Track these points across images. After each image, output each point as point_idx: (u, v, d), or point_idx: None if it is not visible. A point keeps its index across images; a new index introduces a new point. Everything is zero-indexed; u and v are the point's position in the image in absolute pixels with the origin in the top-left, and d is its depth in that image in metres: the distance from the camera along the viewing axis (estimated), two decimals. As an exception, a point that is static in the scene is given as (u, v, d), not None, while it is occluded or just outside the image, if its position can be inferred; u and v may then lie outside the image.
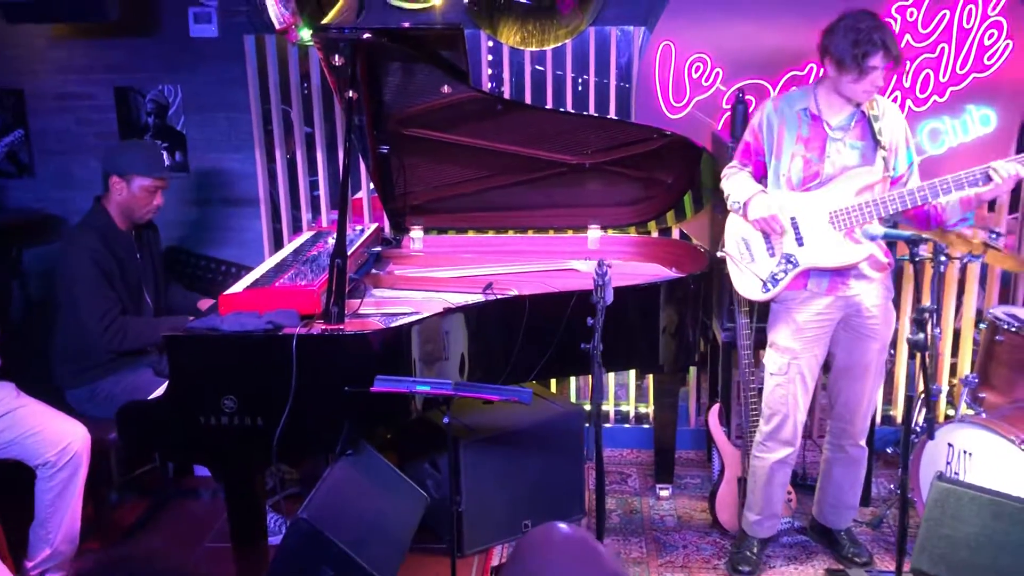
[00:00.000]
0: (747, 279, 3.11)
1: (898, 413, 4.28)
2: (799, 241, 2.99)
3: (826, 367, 3.23)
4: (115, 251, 3.42)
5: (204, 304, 3.70)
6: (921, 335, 2.48)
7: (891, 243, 3.10)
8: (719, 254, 3.23)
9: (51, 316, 3.56)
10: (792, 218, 2.99)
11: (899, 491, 2.68)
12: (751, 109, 3.55)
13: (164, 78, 4.15)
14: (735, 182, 3.13)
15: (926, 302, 3.85)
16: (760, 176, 3.13)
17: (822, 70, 2.96)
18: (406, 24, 3.52)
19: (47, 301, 4.04)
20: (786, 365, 3.10)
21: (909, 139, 3.01)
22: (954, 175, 2.78)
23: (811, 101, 2.99)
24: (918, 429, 3.64)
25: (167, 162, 4.16)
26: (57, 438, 3.01)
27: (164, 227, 4.22)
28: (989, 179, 2.74)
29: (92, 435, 3.12)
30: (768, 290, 3.05)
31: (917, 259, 2.48)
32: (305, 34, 3.90)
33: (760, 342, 3.33)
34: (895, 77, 3.68)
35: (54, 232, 4.29)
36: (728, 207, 3.15)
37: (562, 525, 2.07)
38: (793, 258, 3.00)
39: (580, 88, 4.07)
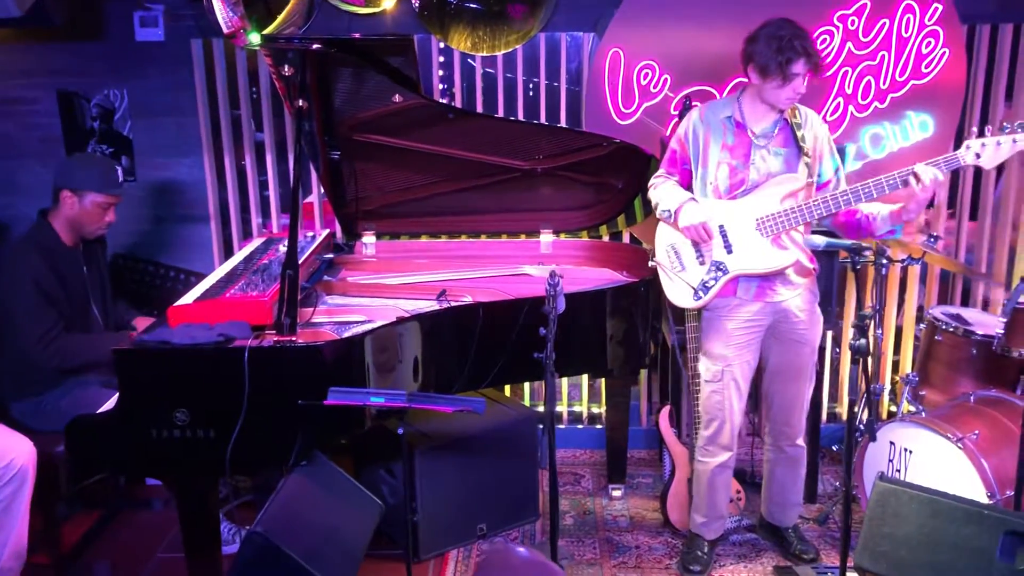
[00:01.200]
0: (678, 287, 3.16)
1: (843, 411, 4.39)
2: (728, 248, 3.05)
3: (759, 372, 3.30)
4: (59, 269, 3.32)
5: (141, 323, 3.62)
6: (862, 340, 2.55)
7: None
8: (650, 264, 3.27)
9: None
10: (720, 226, 3.05)
11: (843, 489, 2.75)
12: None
13: (110, 82, 4.09)
14: (663, 191, 3.17)
15: (868, 304, 3.95)
16: (686, 185, 3.18)
17: (746, 78, 3.02)
18: (356, 35, 3.51)
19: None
20: (720, 372, 3.17)
21: (832, 146, 3.10)
22: (875, 179, 2.87)
23: (735, 109, 3.05)
24: (861, 427, 3.74)
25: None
26: (1, 452, 2.96)
27: (111, 234, 4.15)
28: (907, 183, 2.82)
29: (39, 448, 3.06)
30: (699, 298, 3.11)
31: (859, 266, 2.54)
32: (254, 38, 3.87)
33: (706, 345, 3.40)
34: (835, 84, 3.78)
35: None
36: (657, 216, 3.20)
37: (520, 548, 2.10)
38: (723, 265, 3.07)
39: (531, 93, 4.10)
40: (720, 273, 3.05)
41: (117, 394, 2.79)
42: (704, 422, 3.26)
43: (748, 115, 3.03)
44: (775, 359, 3.21)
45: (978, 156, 2.78)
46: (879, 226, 3.00)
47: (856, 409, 2.64)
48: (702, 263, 3.09)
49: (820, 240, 2.63)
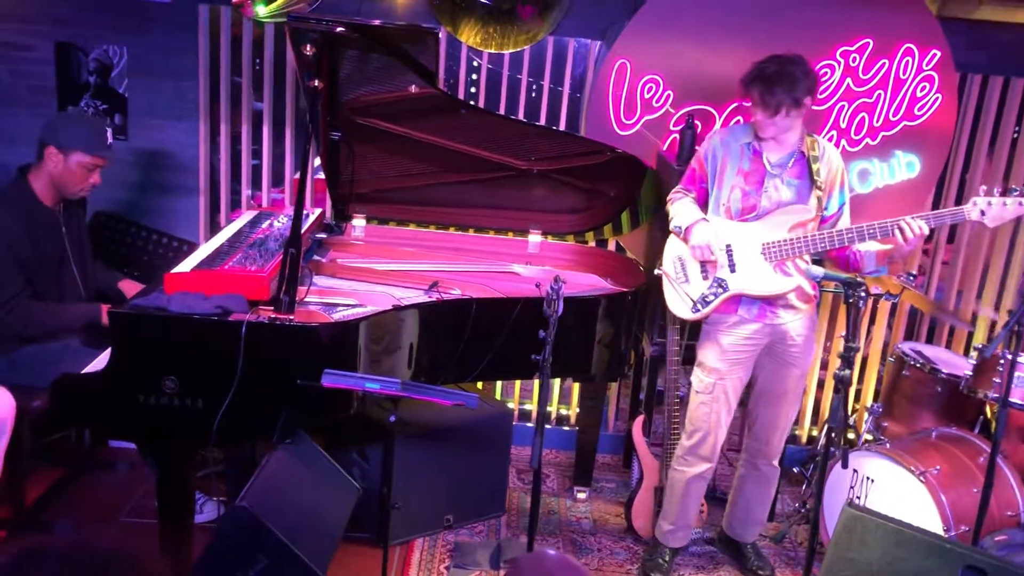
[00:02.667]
0: (679, 298, 3.24)
1: (803, 433, 4.51)
2: (731, 267, 3.13)
3: (747, 389, 3.39)
4: (34, 231, 3.25)
5: (127, 286, 3.59)
6: (847, 371, 2.64)
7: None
8: (656, 272, 3.35)
9: None
10: (727, 245, 3.13)
11: (811, 513, 2.85)
12: (698, 133, 3.69)
13: (110, 38, 4.03)
14: (680, 207, 3.27)
15: (841, 332, 4.07)
16: (703, 203, 3.27)
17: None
18: (377, 21, 3.50)
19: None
20: (712, 385, 3.24)
21: (845, 182, 3.19)
22: (880, 222, 2.96)
23: (753, 137, 3.13)
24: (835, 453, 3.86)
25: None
26: (-20, 405, 2.93)
27: (96, 191, 4.11)
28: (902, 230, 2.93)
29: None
30: (698, 311, 3.19)
31: (850, 300, 2.63)
32: (261, 10, 3.85)
33: (688, 359, 3.48)
34: (831, 117, 3.87)
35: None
36: (671, 228, 3.28)
37: (550, 551, 2.16)
38: (724, 283, 3.15)
39: (534, 94, 4.14)
40: (721, 290, 3.12)
41: (106, 355, 2.78)
42: (688, 432, 3.34)
43: (765, 144, 3.11)
44: (765, 378, 3.30)
45: (983, 213, 2.88)
46: (866, 264, 3.10)
47: (832, 437, 2.72)
48: (705, 278, 3.16)
49: (818, 271, 2.72)
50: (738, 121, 3.82)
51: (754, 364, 3.27)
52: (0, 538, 3.25)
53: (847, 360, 2.63)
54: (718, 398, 3.24)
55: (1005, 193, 2.85)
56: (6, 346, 3.27)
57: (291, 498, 2.61)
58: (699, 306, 3.18)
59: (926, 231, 2.92)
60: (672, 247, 3.30)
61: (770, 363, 3.27)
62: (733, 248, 3.13)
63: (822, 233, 3.04)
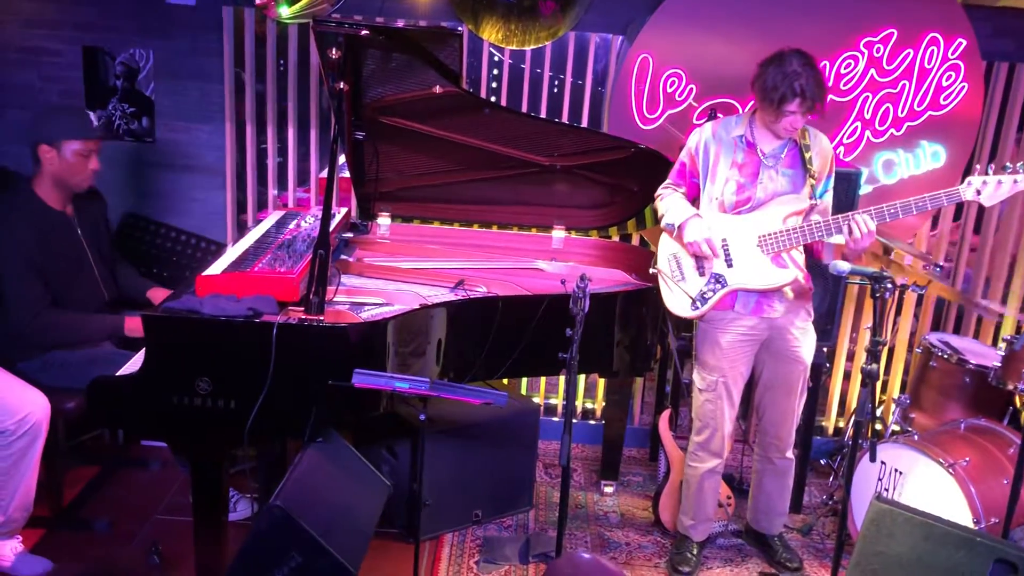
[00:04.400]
0: (677, 296, 3.24)
1: (830, 425, 4.51)
2: (728, 262, 3.13)
3: (751, 384, 3.39)
4: (47, 237, 3.27)
5: (156, 294, 3.61)
6: (874, 366, 2.64)
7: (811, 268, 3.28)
8: (651, 271, 3.34)
9: None
10: (723, 240, 3.13)
11: (839, 506, 2.85)
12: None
13: (136, 41, 4.08)
14: (670, 203, 3.26)
15: (867, 324, 4.06)
16: (693, 198, 3.26)
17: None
18: (400, 22, 3.54)
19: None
20: (714, 382, 3.26)
21: (833, 170, 3.19)
22: (876, 207, 2.97)
23: (747, 129, 3.12)
24: (848, 443, 3.85)
25: (133, 127, 4.12)
26: (16, 406, 2.98)
27: (125, 193, 4.19)
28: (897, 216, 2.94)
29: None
30: (697, 308, 3.18)
31: (877, 294, 2.63)
32: (284, 11, 3.88)
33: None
34: (855, 108, 3.86)
35: (12, 185, 4.18)
36: (663, 226, 3.27)
37: (584, 554, 2.20)
38: (722, 278, 3.14)
39: (556, 90, 4.15)
40: (719, 285, 3.13)
41: (139, 357, 2.83)
42: (696, 428, 3.35)
43: (759, 135, 3.11)
44: (768, 373, 3.30)
45: (978, 192, 2.88)
46: (825, 255, 3.16)
47: (861, 432, 2.72)
48: (702, 274, 3.17)
49: (845, 266, 2.71)
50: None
51: (755, 359, 3.28)
52: (39, 536, 3.31)
53: (874, 354, 2.63)
54: (721, 395, 3.25)
55: (1000, 171, 2.84)
56: (37, 351, 3.33)
57: (323, 496, 2.65)
58: (698, 303, 3.18)
59: (872, 227, 2.93)
60: (666, 245, 3.29)
61: (771, 359, 3.27)
62: (729, 242, 3.13)
63: (818, 221, 3.03)
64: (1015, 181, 2.84)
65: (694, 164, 3.22)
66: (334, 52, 2.83)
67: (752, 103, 3.12)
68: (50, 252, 3.28)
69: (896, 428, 3.96)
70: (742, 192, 3.12)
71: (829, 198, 3.19)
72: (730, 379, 3.24)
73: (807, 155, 3.08)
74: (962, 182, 2.92)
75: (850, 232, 2.94)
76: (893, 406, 3.96)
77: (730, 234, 3.12)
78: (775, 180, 3.11)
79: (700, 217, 3.15)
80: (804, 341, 3.24)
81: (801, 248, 3.13)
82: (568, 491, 2.83)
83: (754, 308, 3.16)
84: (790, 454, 3.44)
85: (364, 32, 2.88)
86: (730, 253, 3.12)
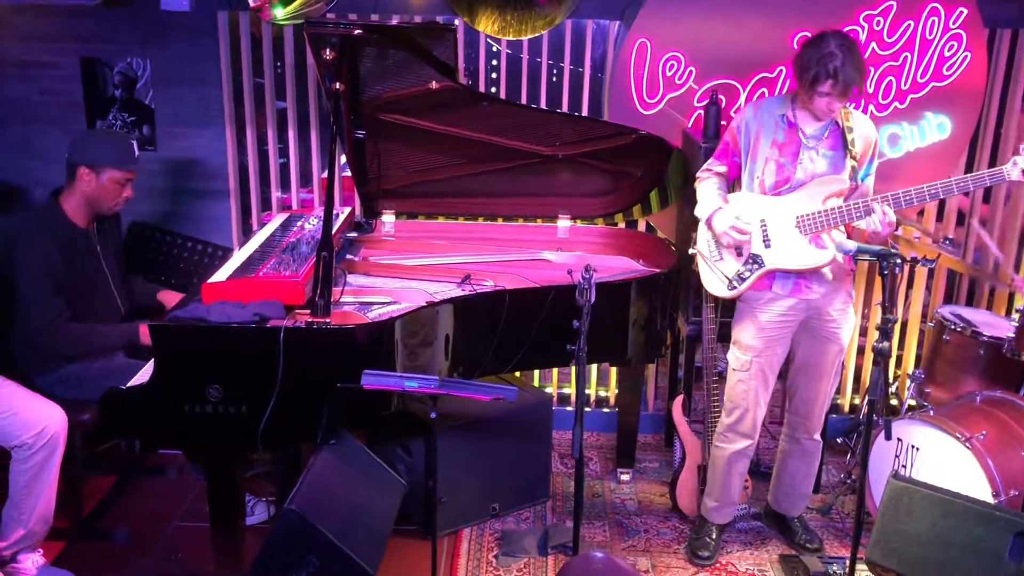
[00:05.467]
0: (715, 277, 3.23)
1: (845, 402, 4.48)
2: (766, 243, 3.11)
3: (787, 362, 3.37)
4: (70, 253, 3.28)
5: (167, 297, 3.62)
6: (886, 343, 2.62)
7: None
8: (690, 251, 3.33)
9: (7, 301, 3.35)
10: (762, 220, 3.11)
11: (857, 484, 2.83)
12: (723, 108, 3.66)
13: (133, 51, 4.07)
14: (702, 191, 3.26)
15: (878, 301, 4.03)
16: (735, 177, 3.25)
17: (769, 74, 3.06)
18: (395, 18, 3.52)
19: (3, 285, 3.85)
20: (748, 362, 3.23)
21: (876, 152, 3.16)
22: (913, 188, 2.94)
23: (788, 109, 3.10)
24: (863, 420, 3.82)
25: (134, 136, 4.12)
26: (34, 420, 2.99)
27: (130, 203, 4.16)
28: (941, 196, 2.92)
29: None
30: (734, 288, 3.17)
31: (885, 272, 2.60)
32: (279, 13, 3.87)
33: (723, 335, 3.47)
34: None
35: (14, 201, 4.20)
36: (696, 214, 3.27)
37: (598, 553, 2.20)
38: (759, 259, 3.12)
39: (555, 78, 4.12)
40: (756, 266, 3.11)
41: (149, 367, 2.84)
42: (727, 409, 3.33)
43: (800, 116, 3.08)
44: (803, 353, 3.28)
45: None
46: (855, 236, 3.09)
47: (875, 410, 2.70)
48: (739, 255, 3.15)
49: (851, 245, 2.69)
50: (762, 94, 3.78)
51: (792, 339, 3.25)
52: (60, 548, 3.33)
53: (885, 332, 2.61)
54: (755, 375, 3.23)
55: None
56: (53, 364, 3.34)
57: (338, 498, 2.66)
58: (735, 283, 3.16)
59: (892, 217, 2.92)
60: (704, 227, 3.28)
61: (807, 338, 3.24)
62: (767, 223, 3.10)
63: (857, 203, 3.00)
64: None
65: (736, 143, 3.21)
66: (328, 53, 2.82)
67: (762, 80, 3.07)
68: (72, 269, 3.29)
69: (912, 403, 3.93)
70: (782, 172, 3.09)
71: (871, 181, 3.16)
72: (765, 360, 3.22)
73: (849, 137, 3.04)
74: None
75: (869, 215, 2.91)
76: (908, 381, 3.94)
77: (768, 215, 3.10)
78: (815, 161, 3.08)
79: (723, 208, 3.14)
80: (843, 322, 3.21)
81: (842, 229, 3.10)
82: (582, 484, 2.83)
83: (792, 289, 3.14)
84: (817, 436, 3.42)
85: (357, 32, 2.86)
86: (768, 234, 3.10)
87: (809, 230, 3.06)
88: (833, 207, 3.02)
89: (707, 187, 3.25)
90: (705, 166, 3.32)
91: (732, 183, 3.30)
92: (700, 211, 3.22)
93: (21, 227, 3.29)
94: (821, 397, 3.31)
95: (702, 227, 3.28)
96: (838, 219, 3.01)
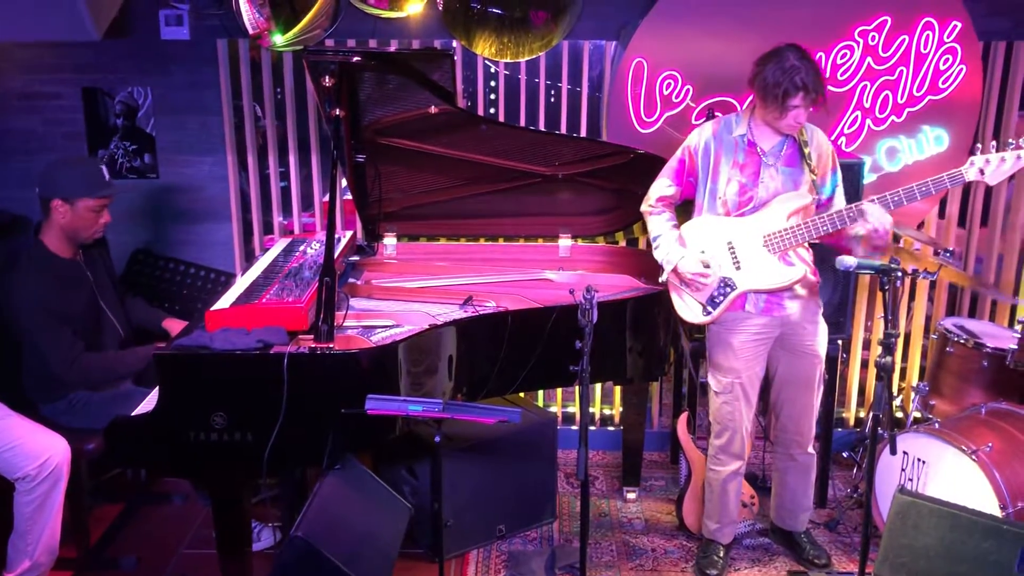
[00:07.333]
0: (689, 303, 3.23)
1: (850, 416, 4.48)
2: (736, 265, 3.12)
3: (766, 381, 3.37)
4: (62, 286, 3.27)
5: (172, 325, 3.60)
6: (888, 358, 2.62)
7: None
8: (660, 280, 3.32)
9: (5, 338, 3.37)
10: (728, 242, 3.12)
11: (863, 498, 2.83)
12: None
13: (134, 80, 4.11)
14: (659, 230, 3.26)
15: (879, 313, 4.03)
16: (685, 197, 3.26)
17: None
18: (394, 43, 3.56)
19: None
20: (730, 384, 3.24)
21: (835, 163, 3.17)
22: (869, 198, 2.97)
23: (747, 128, 3.11)
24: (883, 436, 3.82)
25: (136, 164, 4.15)
26: (37, 451, 3.01)
27: (133, 231, 4.22)
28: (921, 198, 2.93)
29: (70, 445, 3.11)
30: (709, 313, 3.17)
31: (886, 287, 2.61)
32: (278, 39, 3.90)
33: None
34: (854, 98, 3.84)
35: (18, 230, 4.22)
36: (654, 249, 3.27)
37: None
38: (731, 281, 3.13)
39: (553, 99, 4.15)
40: (729, 289, 3.12)
41: (154, 395, 2.85)
42: (715, 432, 3.34)
43: (757, 133, 3.09)
44: (783, 370, 3.29)
45: (982, 172, 2.86)
46: (854, 251, 3.09)
47: (879, 424, 2.70)
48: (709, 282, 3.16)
49: (852, 261, 2.70)
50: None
51: (768, 357, 3.26)
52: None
53: (887, 347, 2.62)
54: (738, 396, 3.24)
55: (1003, 148, 2.81)
56: (59, 392, 3.35)
57: (345, 523, 2.66)
58: (709, 308, 3.17)
59: (887, 222, 2.92)
60: None
61: (786, 355, 3.25)
62: (735, 245, 3.11)
63: (822, 217, 3.02)
64: (1018, 157, 2.82)
65: (693, 163, 3.20)
66: (327, 80, 2.85)
67: (750, 100, 3.10)
68: (67, 300, 3.29)
69: (917, 415, 3.93)
70: (744, 192, 3.11)
71: (840, 194, 3.17)
72: (746, 380, 3.23)
73: (806, 151, 3.06)
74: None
75: (855, 222, 2.92)
76: (912, 394, 3.93)
77: (735, 236, 3.11)
78: (775, 178, 3.09)
79: (686, 252, 3.14)
80: (817, 335, 3.23)
81: (807, 245, 3.11)
82: (588, 505, 2.82)
83: (764, 308, 3.15)
84: (811, 449, 3.41)
85: (356, 58, 2.89)
86: (737, 256, 3.11)
87: (777, 248, 3.07)
88: (799, 223, 3.03)
89: (661, 224, 3.26)
90: (654, 193, 3.29)
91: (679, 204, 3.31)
92: (663, 256, 3.20)
93: (9, 267, 3.27)
94: (809, 410, 3.31)
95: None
96: (806, 235, 3.03)
